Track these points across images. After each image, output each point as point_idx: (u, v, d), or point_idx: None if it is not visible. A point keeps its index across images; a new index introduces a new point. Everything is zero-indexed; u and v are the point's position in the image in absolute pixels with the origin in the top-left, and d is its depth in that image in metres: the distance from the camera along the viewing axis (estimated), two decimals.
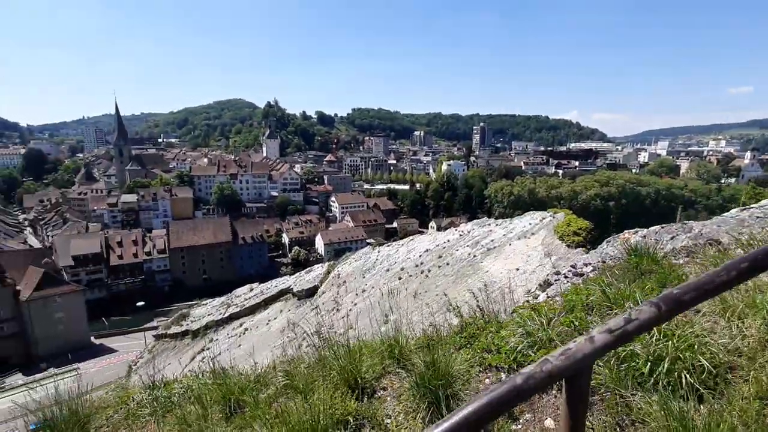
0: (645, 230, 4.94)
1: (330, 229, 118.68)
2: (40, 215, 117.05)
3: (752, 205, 4.49)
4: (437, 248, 15.09)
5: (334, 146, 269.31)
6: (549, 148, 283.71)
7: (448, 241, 15.14)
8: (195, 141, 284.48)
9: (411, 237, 18.67)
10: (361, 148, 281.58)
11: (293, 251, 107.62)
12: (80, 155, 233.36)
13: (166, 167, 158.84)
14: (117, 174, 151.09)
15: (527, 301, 4.21)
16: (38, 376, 53.54)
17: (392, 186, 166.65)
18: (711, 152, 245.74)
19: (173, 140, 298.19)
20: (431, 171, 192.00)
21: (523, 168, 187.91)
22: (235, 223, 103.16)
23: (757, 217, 3.95)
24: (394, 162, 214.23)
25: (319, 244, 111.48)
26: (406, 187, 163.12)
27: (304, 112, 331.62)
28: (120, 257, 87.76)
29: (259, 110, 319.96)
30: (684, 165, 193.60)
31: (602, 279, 3.74)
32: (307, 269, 24.16)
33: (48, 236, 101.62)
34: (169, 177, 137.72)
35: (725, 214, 4.53)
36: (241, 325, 24.07)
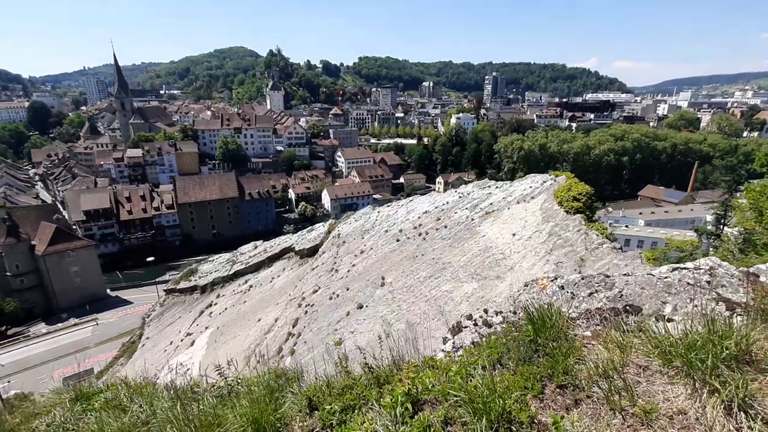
0: (566, 278, 4.36)
1: (336, 184, 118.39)
2: (49, 170, 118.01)
3: (687, 264, 3.90)
4: (436, 210, 14.85)
5: (339, 98, 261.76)
6: (564, 100, 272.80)
7: (447, 203, 14.86)
8: (197, 93, 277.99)
9: (411, 198, 18.39)
10: (368, 100, 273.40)
11: (300, 207, 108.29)
12: (84, 108, 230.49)
13: (169, 121, 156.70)
14: (121, 128, 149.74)
15: (430, 357, 3.77)
16: (59, 325, 56.71)
17: (399, 140, 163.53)
18: (735, 104, 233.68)
19: (175, 92, 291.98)
20: (440, 124, 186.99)
21: (536, 121, 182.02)
22: (241, 178, 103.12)
23: (688, 284, 3.42)
24: (402, 115, 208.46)
25: (326, 199, 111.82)
26: (414, 141, 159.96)
27: (308, 61, 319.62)
28: (130, 212, 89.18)
29: (262, 59, 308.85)
30: (705, 118, 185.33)
31: (494, 348, 3.25)
32: (308, 228, 24.26)
33: (58, 191, 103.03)
34: (173, 131, 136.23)
35: (655, 271, 3.90)
36: (246, 282, 24.65)
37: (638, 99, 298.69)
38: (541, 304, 3.68)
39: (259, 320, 18.05)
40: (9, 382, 40.00)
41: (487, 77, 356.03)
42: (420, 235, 14.03)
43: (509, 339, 3.26)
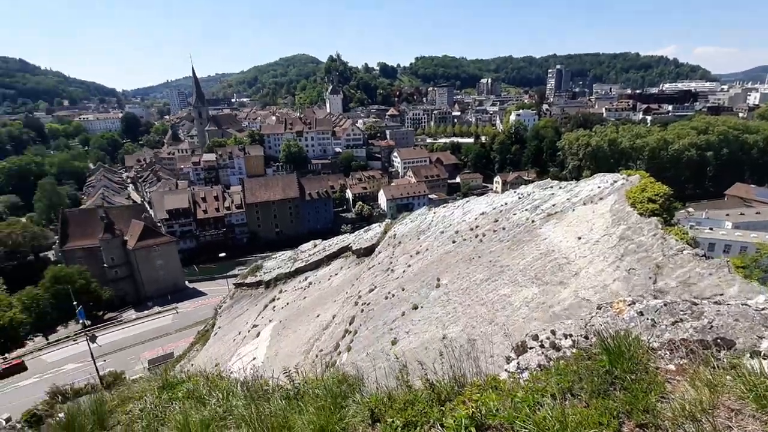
0: (645, 303, 3.91)
1: (392, 184, 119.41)
2: (138, 173, 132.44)
3: None
4: (494, 211, 14.44)
5: (396, 99, 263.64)
6: (637, 91, 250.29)
7: (506, 203, 14.38)
8: (264, 99, 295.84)
9: (467, 198, 18.03)
10: (424, 99, 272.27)
11: (357, 207, 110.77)
12: (167, 117, 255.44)
13: (239, 127, 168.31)
14: (198, 134, 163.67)
15: (493, 377, 3.55)
16: (146, 312, 63.39)
17: (456, 139, 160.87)
18: None
19: (245, 99, 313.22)
20: (498, 122, 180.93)
21: (605, 115, 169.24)
22: (302, 179, 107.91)
23: None
24: (459, 114, 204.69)
25: (382, 199, 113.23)
26: (471, 140, 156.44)
27: (366, 64, 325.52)
28: (205, 212, 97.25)
29: (323, 65, 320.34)
30: None
31: (565, 376, 2.95)
32: (365, 228, 24.70)
33: (146, 192, 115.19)
34: (242, 136, 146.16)
35: (751, 301, 3.34)
36: (306, 279, 25.61)
37: (725, 88, 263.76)
38: (617, 330, 3.45)
39: (318, 316, 18.71)
40: (105, 360, 45.53)
41: (550, 70, 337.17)
42: (477, 236, 13.72)
43: (581, 367, 3.08)
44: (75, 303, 45.46)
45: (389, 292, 14.78)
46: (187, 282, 75.40)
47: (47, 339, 58.10)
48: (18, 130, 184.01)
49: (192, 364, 21.06)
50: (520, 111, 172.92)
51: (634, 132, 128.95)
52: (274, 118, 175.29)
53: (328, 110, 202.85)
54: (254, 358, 17.94)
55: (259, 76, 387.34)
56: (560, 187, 13.42)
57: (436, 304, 11.97)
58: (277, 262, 30.56)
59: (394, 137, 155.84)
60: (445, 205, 20.90)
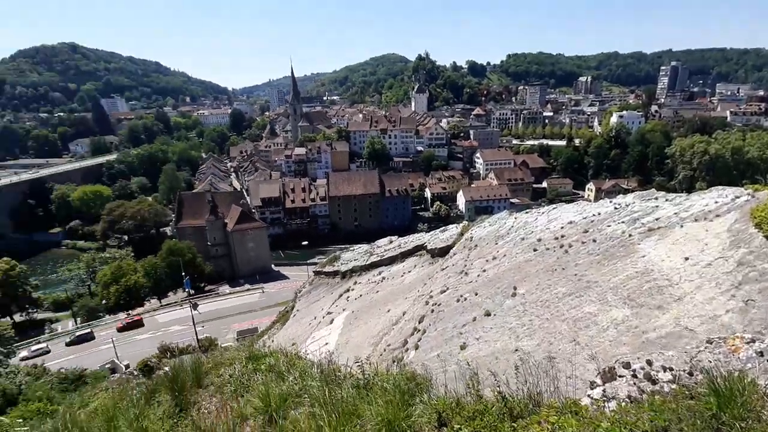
0: (766, 342, 3.17)
1: (473, 186, 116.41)
2: (240, 164, 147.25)
3: None
4: (584, 221, 13.33)
5: (483, 98, 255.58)
6: None
7: (599, 213, 13.19)
8: (352, 98, 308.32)
9: (554, 205, 16.90)
10: (513, 99, 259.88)
11: (435, 206, 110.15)
12: (267, 113, 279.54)
13: (329, 123, 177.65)
14: (292, 130, 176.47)
15: (573, 401, 3.16)
16: (237, 288, 70.41)
17: (545, 141, 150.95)
18: None
19: (335, 97, 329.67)
20: (596, 124, 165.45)
21: (729, 119, 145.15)
22: (383, 176, 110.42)
23: None
24: (551, 114, 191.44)
25: (461, 200, 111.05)
26: (562, 142, 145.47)
27: (454, 62, 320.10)
28: (293, 201, 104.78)
29: (411, 64, 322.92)
30: None
31: (660, 413, 2.49)
32: (441, 228, 24.49)
33: (245, 181, 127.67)
34: (331, 132, 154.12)
35: None
36: (380, 273, 26.18)
37: None
38: (730, 370, 3.06)
39: (389, 311, 19.05)
40: (203, 326, 51.68)
41: (663, 67, 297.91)
42: (561, 247, 12.84)
43: (682, 406, 2.79)
44: (183, 274, 52.29)
45: (461, 296, 14.51)
46: (273, 265, 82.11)
47: (160, 302, 67.81)
48: (150, 122, 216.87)
49: (273, 341, 22.86)
50: (624, 112, 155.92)
51: (765, 140, 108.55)
52: (360, 115, 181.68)
53: (413, 109, 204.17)
54: (327, 344, 18.92)
55: (350, 76, 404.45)
56: (667, 200, 11.90)
57: (510, 314, 11.45)
58: (353, 255, 31.73)
59: (477, 137, 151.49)
60: (528, 210, 19.78)
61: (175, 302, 65.68)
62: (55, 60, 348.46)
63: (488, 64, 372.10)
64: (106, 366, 42.66)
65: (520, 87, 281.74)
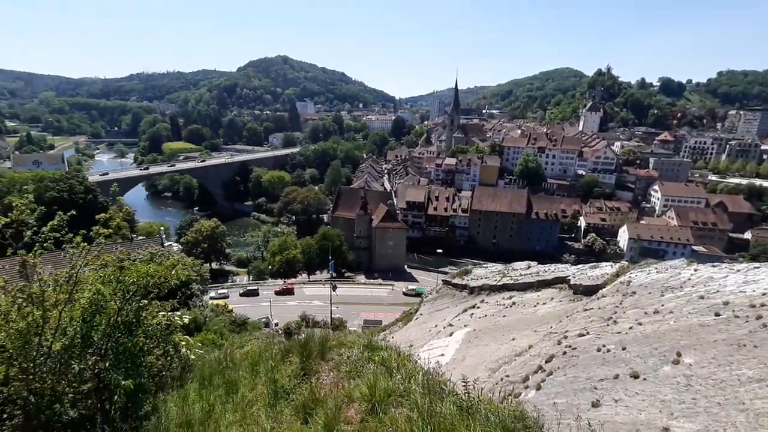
0: None
1: (642, 222, 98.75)
2: (393, 167, 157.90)
3: None
4: None
5: (674, 122, 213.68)
6: None
7: None
8: (513, 112, 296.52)
9: (757, 264, 13.14)
10: (718, 125, 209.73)
11: (588, 238, 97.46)
12: (425, 122, 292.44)
13: (483, 136, 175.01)
14: (446, 140, 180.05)
15: None
16: (372, 280, 75.62)
17: (759, 182, 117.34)
18: None
19: (494, 111, 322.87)
20: None
21: None
22: (532, 196, 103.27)
23: None
24: None
25: (623, 236, 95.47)
26: None
27: (642, 79, 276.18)
28: (435, 209, 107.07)
29: (586, 79, 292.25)
30: None
31: None
32: (592, 264, 21.63)
33: (395, 183, 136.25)
34: (484, 146, 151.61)
35: None
36: (510, 297, 24.72)
37: None
38: None
39: (513, 340, 17.81)
40: (337, 308, 57.37)
41: None
42: (759, 318, 9.96)
43: None
44: (330, 257, 59.10)
45: (604, 345, 12.57)
46: (406, 266, 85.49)
47: (309, 277, 78.05)
48: (328, 123, 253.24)
49: (392, 337, 23.91)
50: None
51: None
52: (518, 131, 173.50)
53: (580, 128, 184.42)
54: (442, 354, 18.82)
55: (514, 90, 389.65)
56: None
57: (666, 383, 9.38)
58: (485, 272, 30.68)
59: (658, 167, 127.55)
60: (716, 264, 15.87)
61: (320, 281, 74.66)
62: (271, 69, 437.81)
63: (689, 82, 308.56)
64: (262, 320, 51.34)
65: (731, 111, 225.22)
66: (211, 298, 58.87)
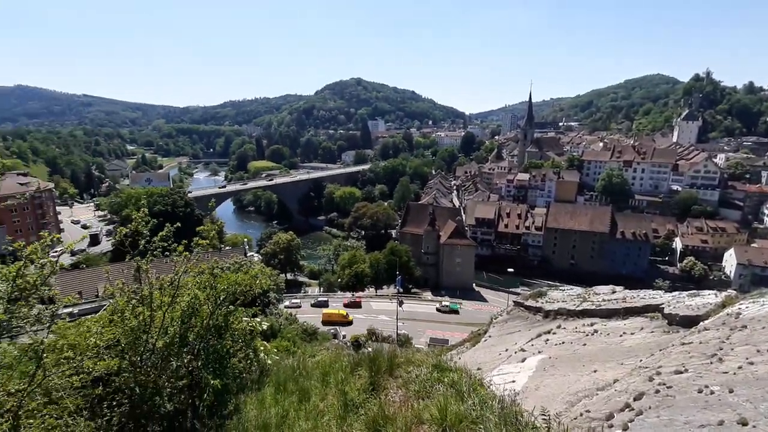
0: None
1: (754, 245, 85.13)
2: (462, 183, 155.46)
3: None
4: None
5: None
6: None
7: None
8: (594, 124, 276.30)
9: None
10: None
11: (685, 262, 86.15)
12: (496, 137, 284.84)
13: (560, 150, 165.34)
14: (518, 155, 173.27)
15: None
16: (438, 297, 74.30)
17: None
18: None
19: (573, 124, 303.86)
20: None
21: None
22: (617, 214, 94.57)
23: None
24: None
25: (730, 261, 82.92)
26: None
27: (750, 83, 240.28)
28: (506, 226, 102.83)
29: (681, 85, 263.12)
30: None
31: None
32: (691, 291, 19.11)
33: (464, 199, 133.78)
34: (561, 160, 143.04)
35: None
36: (591, 324, 22.75)
37: None
38: None
39: (595, 371, 16.29)
40: (403, 323, 57.17)
41: None
42: None
43: None
44: (397, 273, 59.39)
45: (706, 386, 10.97)
46: (474, 284, 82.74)
47: (376, 292, 79.08)
48: (398, 140, 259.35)
49: (459, 358, 23.19)
50: None
51: None
52: (601, 144, 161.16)
53: (674, 139, 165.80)
54: (513, 381, 17.77)
55: (595, 100, 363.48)
56: None
57: None
58: (562, 295, 28.61)
59: None
60: None
61: (386, 295, 75.19)
62: (345, 91, 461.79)
63: None
64: (330, 331, 52.97)
65: None
66: (286, 306, 62.21)
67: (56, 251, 5.05)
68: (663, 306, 20.29)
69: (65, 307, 5.16)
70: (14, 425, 3.71)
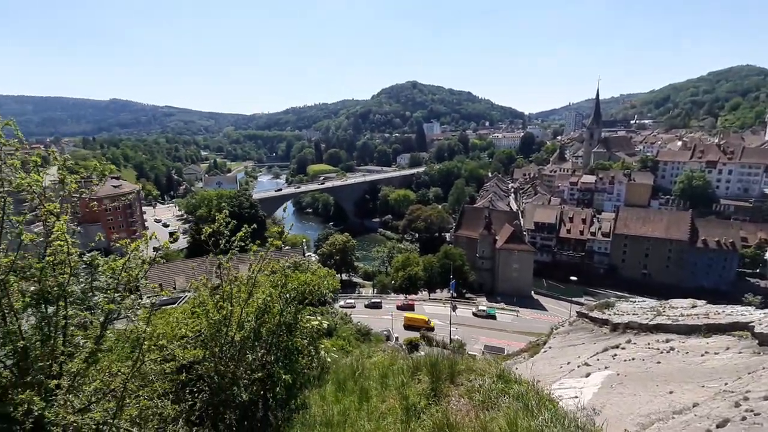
0: None
1: None
2: (521, 185, 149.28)
3: None
4: None
5: None
6: None
7: None
8: (671, 122, 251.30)
9: None
10: None
11: None
12: (559, 138, 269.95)
13: (631, 150, 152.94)
14: (584, 156, 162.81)
15: None
16: (494, 304, 71.98)
17: None
18: None
19: (646, 121, 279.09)
20: None
21: None
22: (697, 220, 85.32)
23: None
24: None
25: None
26: None
27: None
28: (568, 231, 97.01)
29: None
30: None
31: None
32: None
33: (522, 202, 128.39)
34: (632, 161, 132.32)
35: None
36: (667, 341, 20.81)
37: None
38: None
39: (671, 393, 14.94)
40: (456, 328, 56.16)
41: None
42: None
43: None
44: (451, 277, 58.47)
45: None
46: (532, 292, 79.04)
47: (429, 295, 78.47)
48: (454, 143, 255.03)
49: (516, 368, 22.38)
50: None
51: None
52: (679, 143, 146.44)
53: (767, 137, 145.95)
54: (575, 397, 16.81)
55: (673, 95, 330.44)
56: None
57: None
58: (633, 307, 26.46)
59: None
60: None
61: (439, 299, 74.32)
62: (401, 94, 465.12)
63: None
64: (383, 332, 53.50)
65: None
66: (341, 306, 63.85)
67: (156, 248, 5.66)
68: (753, 324, 18.06)
69: (148, 297, 5.75)
70: (119, 405, 4.22)
